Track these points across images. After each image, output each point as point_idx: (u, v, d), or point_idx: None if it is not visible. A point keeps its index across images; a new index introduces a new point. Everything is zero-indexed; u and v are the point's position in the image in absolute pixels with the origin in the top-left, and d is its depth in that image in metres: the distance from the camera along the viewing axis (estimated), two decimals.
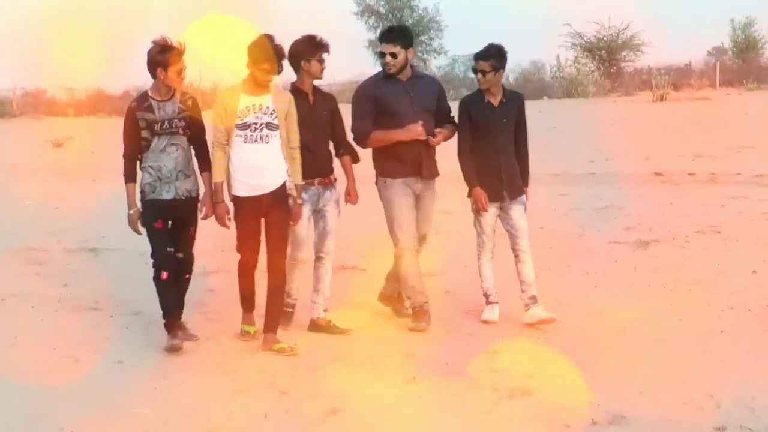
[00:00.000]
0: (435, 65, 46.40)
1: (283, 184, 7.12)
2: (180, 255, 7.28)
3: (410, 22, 44.16)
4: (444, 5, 48.80)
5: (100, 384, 6.39)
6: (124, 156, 7.21)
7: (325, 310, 7.68)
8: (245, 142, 7.00)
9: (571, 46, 44.15)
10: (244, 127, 6.98)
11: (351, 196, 7.76)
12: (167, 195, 7.10)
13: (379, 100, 7.62)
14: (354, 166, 7.77)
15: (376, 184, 7.80)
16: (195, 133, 7.27)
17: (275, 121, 7.05)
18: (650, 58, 44.77)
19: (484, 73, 7.66)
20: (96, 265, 10.08)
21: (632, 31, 44.38)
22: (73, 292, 8.74)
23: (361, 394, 6.12)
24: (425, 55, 47.17)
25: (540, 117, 18.98)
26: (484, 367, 6.63)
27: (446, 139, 7.79)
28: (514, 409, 5.89)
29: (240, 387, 6.32)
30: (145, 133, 7.08)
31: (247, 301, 7.43)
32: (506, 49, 7.78)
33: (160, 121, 7.07)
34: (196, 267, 7.61)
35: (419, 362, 6.77)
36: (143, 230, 7.20)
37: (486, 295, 7.84)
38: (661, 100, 32.11)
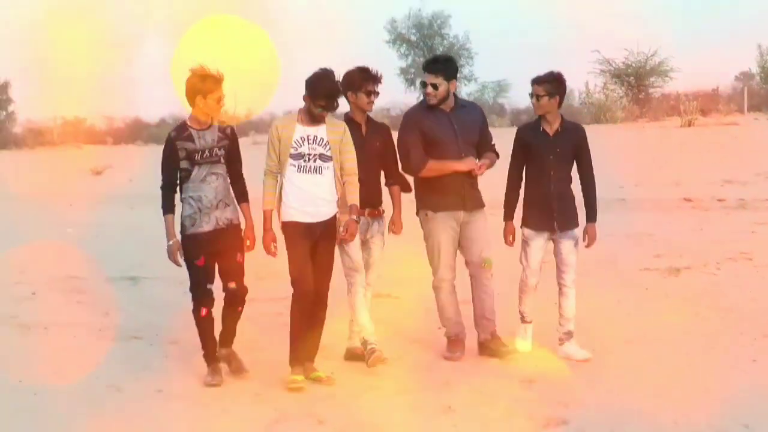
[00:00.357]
0: (465, 92, 46.46)
1: (334, 216, 7.02)
2: (232, 285, 7.10)
3: (441, 50, 44.18)
4: (474, 33, 48.78)
5: (142, 413, 6.40)
6: (162, 187, 7.05)
7: (362, 341, 7.34)
8: (299, 172, 6.91)
9: (599, 72, 44.00)
10: (298, 157, 6.90)
11: (396, 225, 7.66)
12: (207, 226, 6.94)
13: (424, 131, 7.47)
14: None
15: (417, 215, 7.69)
16: (233, 163, 7.12)
17: (328, 153, 6.95)
18: (678, 83, 44.49)
19: (538, 97, 7.41)
20: (135, 294, 10.18)
21: (660, 57, 44.21)
22: (113, 320, 8.80)
23: (398, 424, 6.10)
24: (456, 82, 47.21)
25: None
26: (519, 397, 6.58)
27: (488, 168, 7.58)
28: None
29: (278, 416, 6.30)
30: (184, 164, 6.94)
31: (297, 351, 7.04)
32: (565, 77, 7.56)
33: (201, 150, 6.93)
34: None
35: (454, 391, 6.71)
36: (183, 263, 7.03)
37: (521, 314, 7.69)
38: (689, 125, 31.97)
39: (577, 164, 7.57)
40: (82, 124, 48.20)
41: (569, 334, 7.54)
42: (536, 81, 7.45)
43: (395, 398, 6.62)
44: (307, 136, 6.91)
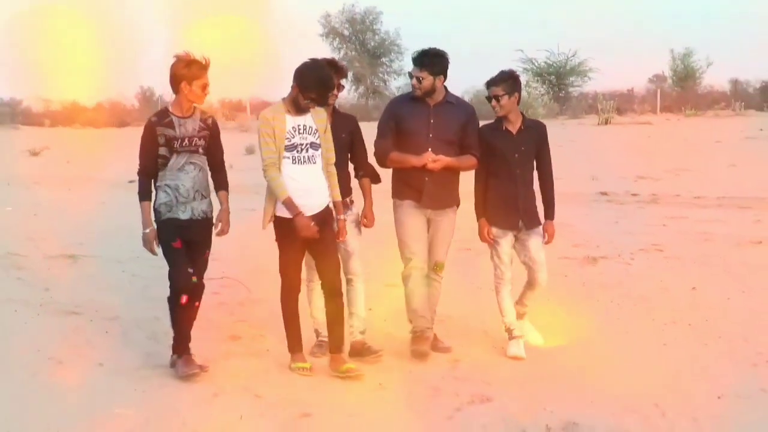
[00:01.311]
0: (394, 85, 46.68)
1: (327, 205, 6.73)
2: (194, 279, 6.67)
3: (372, 44, 44.38)
4: (404, 30, 48.94)
5: (83, 385, 6.36)
6: (139, 173, 6.60)
7: (362, 332, 7.18)
8: (294, 164, 6.55)
9: (522, 71, 44.49)
10: (291, 148, 6.53)
11: (367, 218, 7.33)
12: (183, 215, 6.53)
13: (399, 118, 7.18)
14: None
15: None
16: (214, 154, 6.73)
17: (318, 140, 6.64)
18: (596, 83, 45.40)
19: (498, 98, 7.09)
20: (75, 271, 10.05)
21: (580, 58, 44.86)
22: (53, 296, 8.70)
23: (334, 402, 6.18)
24: (386, 76, 47.41)
25: None
26: (446, 376, 6.69)
27: (452, 167, 7.13)
28: (474, 414, 5.96)
29: (217, 390, 6.33)
30: (163, 150, 6.49)
31: (296, 337, 6.84)
32: (518, 73, 7.35)
33: (180, 138, 6.52)
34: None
35: (387, 372, 6.78)
36: (159, 250, 6.67)
37: (509, 330, 7.29)
38: (606, 123, 32.51)
39: (536, 161, 7.33)
40: (18, 106, 47.39)
41: (521, 316, 7.45)
42: (493, 83, 7.16)
43: (331, 380, 6.66)
44: (298, 126, 6.58)
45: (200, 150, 6.59)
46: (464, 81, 42.14)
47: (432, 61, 7.14)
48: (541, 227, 7.31)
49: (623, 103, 39.30)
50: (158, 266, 10.64)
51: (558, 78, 44.54)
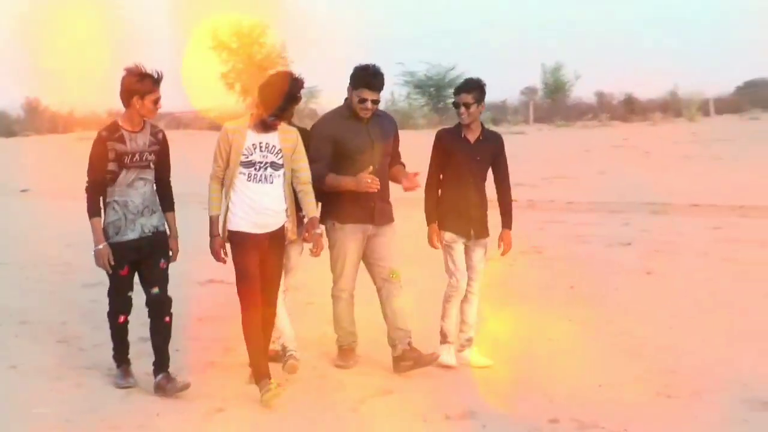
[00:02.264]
0: None
1: (282, 227, 6.31)
2: (155, 290, 6.28)
3: (259, 57, 44.23)
4: (290, 43, 48.85)
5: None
6: (87, 189, 6.17)
7: (273, 342, 6.71)
8: (249, 181, 6.14)
9: (404, 83, 45.13)
10: (248, 165, 6.12)
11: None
12: (132, 234, 6.16)
13: (337, 141, 6.75)
14: None
15: (323, 223, 6.76)
16: (161, 170, 6.36)
17: (280, 161, 6.20)
18: None
19: (468, 105, 6.83)
20: None
21: (458, 72, 45.65)
22: None
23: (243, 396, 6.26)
24: None
25: None
26: (351, 371, 6.86)
27: (397, 182, 6.95)
28: (378, 405, 6.13)
29: (132, 389, 6.38)
30: (112, 166, 6.10)
31: (264, 366, 6.19)
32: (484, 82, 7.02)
33: (131, 153, 6.13)
34: None
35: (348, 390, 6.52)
36: (110, 269, 6.24)
37: (444, 335, 7.05)
38: None
39: (493, 172, 7.09)
40: None
41: (470, 341, 7.12)
42: (464, 90, 6.91)
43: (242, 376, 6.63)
44: (260, 144, 6.15)
45: (150, 165, 6.24)
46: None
47: (383, 81, 6.81)
48: (486, 240, 7.10)
49: (498, 114, 40.09)
50: (60, 272, 10.64)
51: (437, 90, 45.22)
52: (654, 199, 16.50)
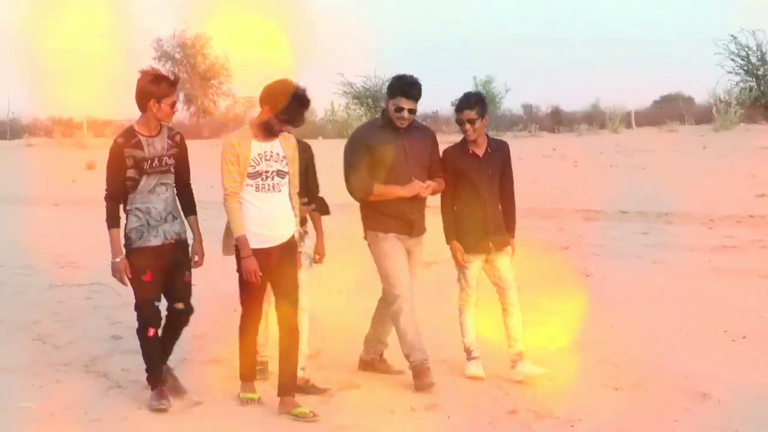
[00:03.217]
0: (222, 105, 46.66)
1: (293, 236, 6.01)
2: (180, 306, 5.98)
3: (203, 68, 44.17)
4: (232, 54, 48.75)
5: None
6: (106, 198, 5.85)
7: (302, 369, 6.33)
8: (257, 191, 5.81)
9: (343, 93, 45.29)
10: (255, 175, 5.78)
11: (319, 254, 6.63)
12: (155, 240, 5.81)
13: (373, 150, 6.46)
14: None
15: (365, 237, 6.66)
16: (181, 173, 5.99)
17: (285, 168, 5.89)
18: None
19: (472, 122, 6.50)
20: None
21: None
22: None
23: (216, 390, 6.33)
24: (215, 97, 47.27)
25: (318, 155, 19.48)
26: (317, 366, 6.87)
27: (434, 192, 6.62)
28: (346, 399, 6.25)
29: (112, 384, 6.44)
30: (131, 173, 5.77)
31: (251, 368, 6.08)
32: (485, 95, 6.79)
33: (150, 158, 5.79)
34: None
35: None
36: (128, 282, 5.91)
37: (468, 351, 6.74)
38: None
39: (499, 182, 6.75)
40: None
41: (520, 355, 6.70)
42: (467, 106, 6.55)
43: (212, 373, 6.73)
44: (264, 152, 5.84)
45: (171, 169, 5.90)
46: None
47: (420, 91, 6.52)
48: (508, 247, 6.79)
49: (432, 125, 40.42)
50: (22, 274, 10.57)
51: (374, 101, 45.43)
52: (585, 206, 16.85)
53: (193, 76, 44.74)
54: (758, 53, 43.63)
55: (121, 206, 5.92)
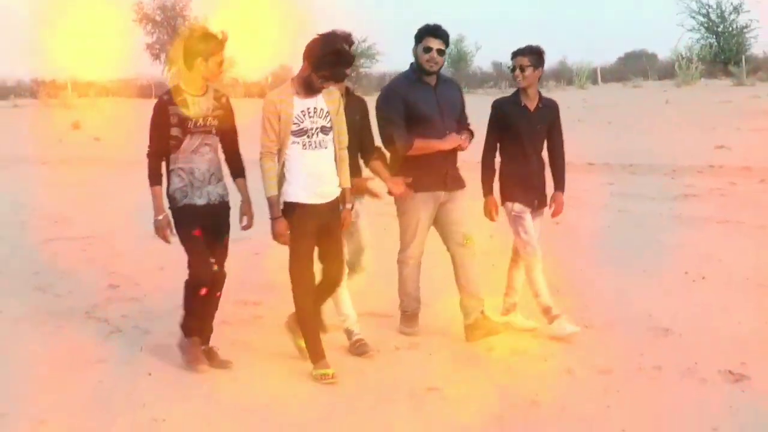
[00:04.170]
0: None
1: (340, 192, 5.66)
2: (215, 267, 5.62)
3: (183, 29, 43.75)
4: (213, 16, 48.56)
5: None
6: (149, 155, 5.51)
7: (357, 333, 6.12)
8: (304, 149, 5.45)
9: None
10: (300, 133, 5.42)
11: (397, 184, 6.14)
12: (200, 201, 5.54)
13: (409, 105, 6.16)
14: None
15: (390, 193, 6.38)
16: (227, 135, 5.68)
17: (329, 124, 5.52)
18: (382, 65, 46.69)
19: (523, 68, 6.23)
20: None
21: (368, 42, 45.85)
22: None
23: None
24: None
25: None
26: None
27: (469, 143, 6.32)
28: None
29: (112, 329, 6.55)
30: (175, 131, 5.46)
31: (318, 342, 5.62)
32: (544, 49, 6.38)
33: (194, 118, 5.49)
34: None
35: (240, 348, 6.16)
36: (173, 239, 5.59)
37: (547, 310, 6.38)
38: None
39: (548, 138, 6.47)
40: None
41: (514, 306, 6.65)
42: (520, 53, 6.29)
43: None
44: (308, 109, 5.46)
45: (214, 130, 5.58)
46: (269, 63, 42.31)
47: (447, 34, 6.30)
48: (544, 209, 6.58)
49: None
50: (18, 230, 10.63)
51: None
52: None
53: (174, 37, 44.37)
54: (718, 11, 43.84)
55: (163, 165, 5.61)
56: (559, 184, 6.55)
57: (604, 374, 5.59)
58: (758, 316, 6.73)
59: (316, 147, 5.48)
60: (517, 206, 6.36)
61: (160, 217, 5.51)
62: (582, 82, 39.33)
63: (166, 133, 5.48)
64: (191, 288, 5.57)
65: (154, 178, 5.48)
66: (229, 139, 5.70)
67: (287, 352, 5.94)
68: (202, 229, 5.54)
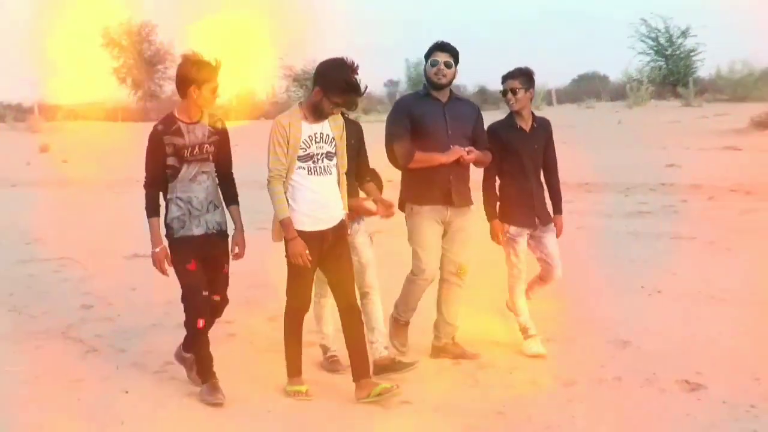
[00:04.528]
0: (169, 89, 46.45)
1: (343, 218, 5.58)
2: (217, 298, 5.52)
3: (149, 54, 43.82)
4: (177, 41, 48.61)
5: None
6: (146, 186, 5.39)
7: (386, 348, 6.03)
8: (309, 174, 5.35)
9: (284, 76, 45.35)
10: (307, 158, 5.32)
11: (387, 208, 5.96)
12: (198, 230, 5.38)
13: (414, 118, 6.08)
14: None
15: (402, 209, 6.21)
16: (222, 162, 5.52)
17: (334, 150, 5.44)
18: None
19: (515, 91, 6.20)
20: None
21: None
22: None
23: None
24: (161, 81, 46.92)
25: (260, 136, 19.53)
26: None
27: (478, 161, 6.16)
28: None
29: (88, 349, 6.54)
30: (171, 160, 5.32)
31: (297, 360, 5.62)
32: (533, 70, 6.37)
33: (190, 146, 5.32)
34: None
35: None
36: (169, 272, 5.46)
37: (525, 330, 6.45)
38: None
39: (543, 156, 6.50)
40: None
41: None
42: (510, 76, 6.27)
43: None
44: (315, 134, 5.36)
45: (210, 157, 5.43)
46: (232, 86, 42.37)
47: (455, 49, 6.19)
48: (552, 223, 6.56)
49: (366, 105, 40.63)
50: None
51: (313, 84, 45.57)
52: None
53: (140, 62, 44.29)
54: (667, 35, 44.54)
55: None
56: (557, 207, 6.63)
57: (567, 385, 5.68)
58: (711, 327, 6.87)
59: (320, 173, 5.39)
60: (513, 229, 6.37)
61: (158, 250, 5.37)
62: (537, 103, 39.68)
63: (162, 163, 5.34)
64: (190, 323, 5.41)
65: (151, 210, 5.36)
66: (223, 166, 5.56)
67: (261, 370, 5.99)
68: (199, 260, 5.40)
